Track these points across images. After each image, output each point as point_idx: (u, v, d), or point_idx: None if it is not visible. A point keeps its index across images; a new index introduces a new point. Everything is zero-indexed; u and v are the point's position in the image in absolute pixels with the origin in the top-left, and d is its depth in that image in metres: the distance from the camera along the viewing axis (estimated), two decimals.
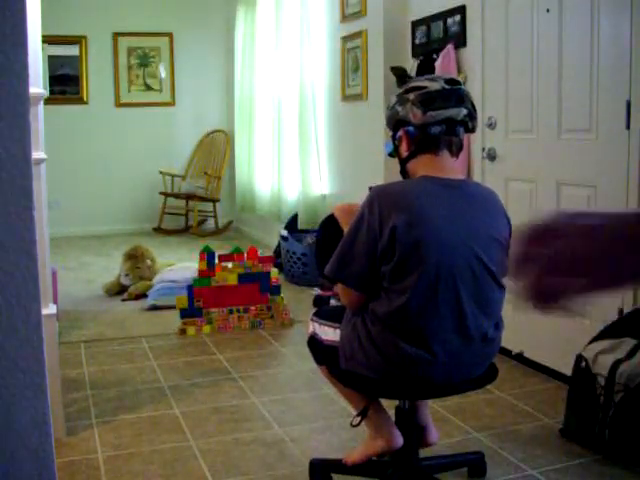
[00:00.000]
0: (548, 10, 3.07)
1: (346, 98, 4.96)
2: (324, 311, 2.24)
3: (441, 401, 2.92)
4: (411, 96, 1.91)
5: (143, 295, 4.62)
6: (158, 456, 2.46)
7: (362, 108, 4.69)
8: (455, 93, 1.90)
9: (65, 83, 7.40)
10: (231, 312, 4.02)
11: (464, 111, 1.90)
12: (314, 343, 2.16)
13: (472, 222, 1.87)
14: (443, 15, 3.84)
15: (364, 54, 4.59)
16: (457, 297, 1.82)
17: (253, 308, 4.05)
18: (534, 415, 2.78)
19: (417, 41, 4.13)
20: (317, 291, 4.64)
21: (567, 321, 3.04)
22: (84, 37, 7.38)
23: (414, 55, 4.14)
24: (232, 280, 4.00)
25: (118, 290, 4.79)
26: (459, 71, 3.72)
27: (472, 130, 1.97)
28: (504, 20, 3.38)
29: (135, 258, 4.80)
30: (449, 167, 1.94)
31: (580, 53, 2.91)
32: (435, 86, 1.90)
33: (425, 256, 1.79)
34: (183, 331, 3.90)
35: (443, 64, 3.73)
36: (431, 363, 1.84)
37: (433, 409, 2.85)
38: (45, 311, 2.30)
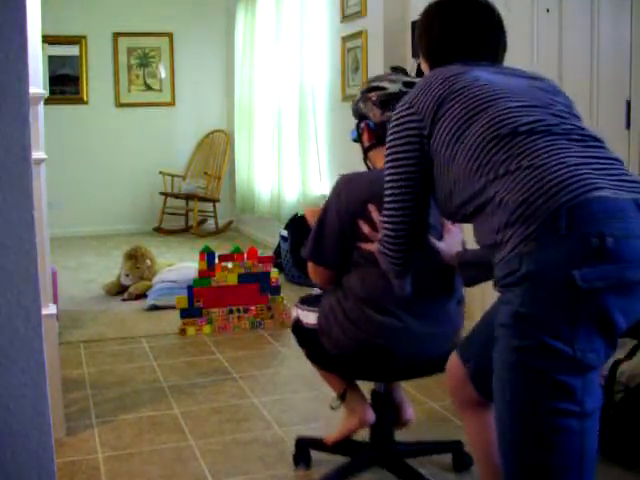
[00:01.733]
0: (548, 10, 3.07)
1: (346, 98, 4.96)
2: (308, 298, 2.36)
3: (441, 401, 2.92)
4: (372, 96, 2.14)
5: (143, 295, 4.62)
6: (158, 456, 2.46)
7: None
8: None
9: (65, 83, 7.40)
10: (231, 312, 4.02)
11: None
12: (298, 328, 2.27)
13: None
14: None
15: (364, 54, 4.59)
16: (423, 267, 1.93)
17: (253, 308, 4.05)
18: None
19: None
20: (317, 291, 4.63)
21: None
22: (84, 37, 7.38)
23: (414, 55, 4.14)
24: (232, 280, 4.00)
25: (118, 290, 4.79)
26: None
27: None
28: (504, 20, 3.38)
29: (135, 258, 4.80)
30: None
31: (580, 53, 2.91)
32: (394, 88, 2.10)
33: None
34: (183, 331, 3.90)
35: None
36: (403, 331, 2.00)
37: (433, 409, 2.85)
38: (45, 311, 2.30)
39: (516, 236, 1.28)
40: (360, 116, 2.20)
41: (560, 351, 1.22)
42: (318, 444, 2.39)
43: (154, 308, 4.38)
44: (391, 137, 1.57)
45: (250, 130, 6.80)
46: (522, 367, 1.27)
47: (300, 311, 2.28)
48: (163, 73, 7.73)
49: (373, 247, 1.85)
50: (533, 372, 1.25)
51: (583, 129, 1.45)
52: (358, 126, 2.21)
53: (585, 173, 1.29)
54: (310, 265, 2.18)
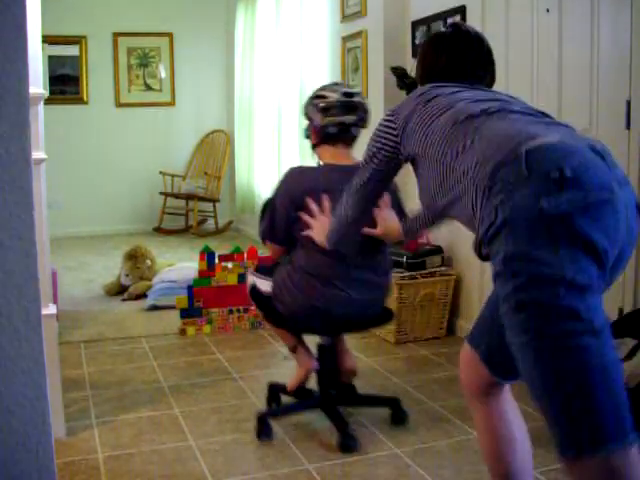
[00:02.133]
0: (548, 10, 3.07)
1: None
2: (260, 268, 2.82)
3: (441, 401, 2.92)
4: (317, 103, 2.62)
5: (143, 295, 4.62)
6: (158, 456, 2.46)
7: None
8: (348, 104, 2.60)
9: (65, 83, 7.40)
10: (231, 312, 4.02)
11: (354, 118, 2.61)
12: (255, 292, 2.73)
13: None
14: (443, 15, 3.84)
15: (364, 54, 4.59)
16: (349, 251, 2.44)
17: (253, 308, 4.05)
18: (534, 415, 2.77)
19: (417, 41, 4.13)
20: None
21: None
22: (84, 37, 7.38)
23: (414, 55, 4.14)
24: (232, 280, 4.00)
25: (118, 290, 4.79)
26: None
27: (363, 127, 2.70)
28: (504, 20, 3.38)
29: (135, 258, 4.80)
30: (343, 155, 2.65)
31: (580, 53, 2.91)
32: (334, 97, 2.60)
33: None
34: (183, 331, 3.90)
35: None
36: (341, 298, 2.51)
37: (433, 408, 2.85)
38: (45, 311, 2.30)
39: (485, 195, 1.42)
40: (309, 118, 2.69)
41: (552, 277, 1.29)
42: (284, 389, 2.87)
43: (154, 308, 4.38)
44: (372, 137, 1.82)
45: (250, 130, 6.80)
46: (523, 305, 1.32)
47: (255, 279, 2.72)
48: (163, 73, 7.73)
49: (312, 233, 2.36)
50: (534, 306, 1.31)
51: (536, 110, 1.62)
52: (307, 127, 2.72)
53: (536, 130, 1.45)
54: (266, 243, 2.68)
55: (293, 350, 2.81)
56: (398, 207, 2.58)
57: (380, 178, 1.85)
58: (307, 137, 2.75)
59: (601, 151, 1.43)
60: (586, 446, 1.30)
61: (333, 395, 2.74)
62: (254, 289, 2.72)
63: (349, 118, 2.61)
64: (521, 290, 1.32)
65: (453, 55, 1.83)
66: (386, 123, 1.77)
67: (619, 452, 1.28)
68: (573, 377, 1.29)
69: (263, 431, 2.60)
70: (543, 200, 1.31)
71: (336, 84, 2.76)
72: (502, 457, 1.72)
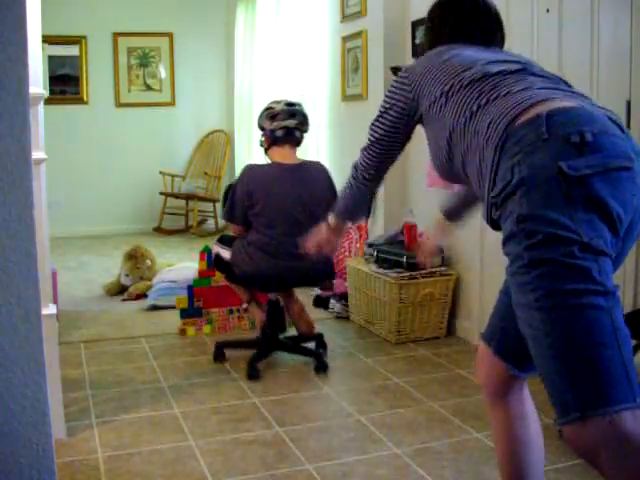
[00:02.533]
0: (548, 10, 3.07)
1: (346, 98, 4.96)
2: (223, 239, 3.48)
3: (441, 401, 2.92)
4: (267, 113, 3.33)
5: (143, 295, 4.62)
6: (158, 456, 2.46)
7: (362, 108, 4.68)
8: (290, 111, 3.30)
9: (65, 83, 7.40)
10: (231, 312, 4.02)
11: (295, 122, 3.30)
12: (219, 259, 3.44)
13: (299, 186, 3.28)
14: None
15: (364, 54, 4.59)
16: (290, 230, 3.15)
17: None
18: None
19: (417, 41, 4.13)
20: (317, 291, 4.64)
21: None
22: (84, 37, 7.38)
23: (414, 55, 4.14)
24: None
25: (118, 290, 4.79)
26: None
27: (304, 131, 3.40)
28: (504, 20, 3.37)
29: (135, 258, 4.80)
30: (290, 155, 3.36)
31: (580, 53, 2.91)
32: (279, 106, 3.32)
33: (267, 206, 3.22)
34: (183, 331, 3.90)
35: None
36: (286, 266, 3.19)
37: (433, 408, 2.85)
38: (45, 311, 2.30)
39: (500, 155, 1.40)
40: (261, 127, 3.37)
41: (568, 238, 1.28)
42: (231, 344, 3.56)
43: (154, 308, 4.38)
44: (385, 95, 1.79)
45: (250, 130, 6.80)
46: (536, 263, 1.31)
47: (219, 249, 3.44)
48: (163, 73, 7.73)
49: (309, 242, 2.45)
50: (547, 263, 1.29)
51: (556, 76, 1.62)
52: (261, 136, 3.39)
53: (556, 93, 1.45)
54: (228, 223, 3.42)
55: (248, 302, 3.61)
56: (331, 189, 3.44)
57: (393, 138, 1.79)
58: (261, 144, 3.42)
59: (618, 122, 1.43)
60: (594, 404, 1.26)
61: (277, 338, 3.47)
62: (218, 256, 3.45)
63: (291, 122, 3.30)
64: (535, 248, 1.31)
65: (460, 14, 1.82)
66: (401, 80, 1.74)
67: (628, 412, 1.26)
68: (583, 335, 1.27)
69: (218, 357, 3.45)
70: (562, 163, 1.30)
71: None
72: (516, 458, 1.70)
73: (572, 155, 1.31)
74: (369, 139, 1.83)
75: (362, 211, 2.10)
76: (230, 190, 3.38)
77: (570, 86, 1.59)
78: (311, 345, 3.59)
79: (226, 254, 3.37)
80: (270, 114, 3.31)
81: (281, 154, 3.32)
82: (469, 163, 1.53)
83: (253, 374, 3.22)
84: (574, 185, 1.30)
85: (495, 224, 1.45)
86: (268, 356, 3.41)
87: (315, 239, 2.16)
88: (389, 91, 1.78)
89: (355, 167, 1.90)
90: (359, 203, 2.00)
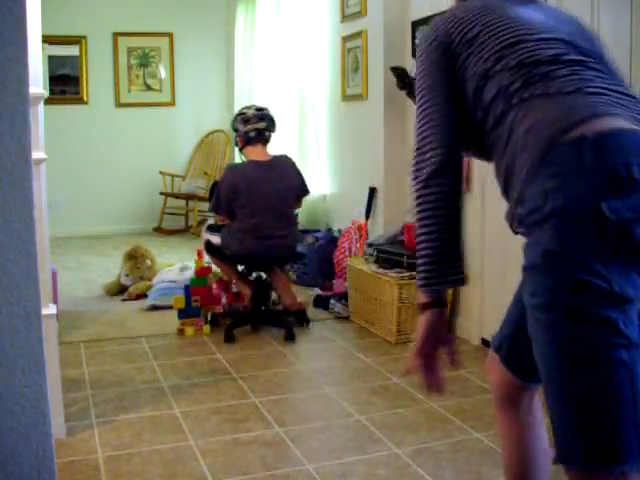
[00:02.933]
0: None
1: (346, 98, 4.96)
2: (211, 227, 4.10)
3: (441, 401, 2.92)
4: (241, 117, 3.99)
5: (143, 295, 4.62)
6: (158, 456, 2.46)
7: (362, 108, 4.68)
8: (260, 115, 3.96)
9: (65, 83, 7.39)
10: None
11: (265, 124, 3.95)
12: (209, 245, 4.00)
13: (273, 179, 3.86)
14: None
15: (364, 54, 4.59)
16: (270, 216, 3.81)
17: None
18: None
19: (417, 41, 4.13)
20: (317, 291, 4.64)
21: None
22: (84, 37, 7.38)
23: (414, 55, 4.14)
24: None
25: (118, 290, 4.79)
26: None
27: (272, 132, 4.02)
28: None
29: (135, 258, 4.79)
30: (262, 153, 3.96)
31: None
32: (250, 111, 3.99)
33: (250, 198, 3.79)
34: (181, 331, 3.89)
35: None
36: (267, 245, 3.82)
37: (433, 408, 2.85)
38: (45, 311, 2.29)
39: (534, 169, 1.24)
40: (235, 129, 4.01)
41: (597, 286, 1.17)
42: (223, 314, 4.07)
43: (154, 308, 4.38)
44: (419, 68, 1.50)
45: None
46: (559, 306, 1.21)
47: (209, 236, 4.02)
48: (163, 73, 7.72)
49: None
50: (571, 309, 1.19)
51: (614, 66, 1.45)
52: (236, 136, 4.02)
53: (609, 105, 1.26)
54: (214, 214, 4.03)
55: (237, 279, 4.07)
56: (298, 176, 4.02)
57: (447, 106, 1.44)
58: (236, 144, 4.08)
59: None
60: (602, 460, 1.21)
61: (263, 311, 4.03)
62: (209, 242, 4.00)
63: (262, 124, 3.94)
64: (559, 291, 1.20)
65: None
66: (433, 40, 1.49)
67: (636, 474, 1.20)
68: (600, 388, 1.20)
69: (213, 324, 3.97)
70: (604, 203, 1.15)
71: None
72: (523, 462, 1.64)
73: (615, 193, 1.16)
74: (429, 125, 1.44)
75: (457, 259, 1.44)
76: (215, 186, 3.99)
77: (624, 84, 1.40)
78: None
79: (216, 239, 3.95)
80: (243, 118, 3.96)
81: (255, 152, 3.95)
82: (497, 154, 1.38)
83: (229, 338, 3.78)
84: (612, 229, 1.17)
85: (515, 231, 1.34)
86: (246, 325, 3.98)
87: (420, 348, 1.61)
88: (422, 62, 1.50)
89: (430, 192, 1.41)
90: (453, 244, 1.43)
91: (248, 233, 3.79)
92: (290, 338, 3.79)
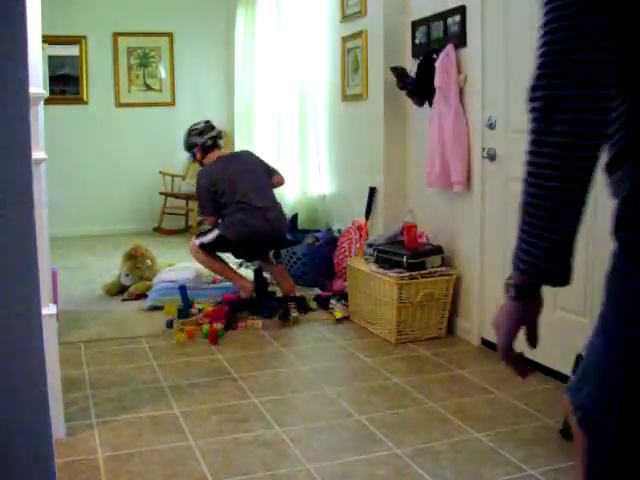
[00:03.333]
0: None
1: (346, 98, 4.96)
2: (200, 232, 4.53)
3: (441, 401, 2.92)
4: (194, 132, 4.55)
5: (143, 295, 4.61)
6: (158, 456, 2.46)
7: (362, 108, 4.68)
8: (210, 126, 4.58)
9: (65, 83, 7.39)
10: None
11: (216, 132, 4.55)
12: (203, 246, 4.26)
13: (240, 161, 4.48)
14: (443, 15, 3.84)
15: (364, 54, 4.59)
16: (252, 189, 4.28)
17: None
18: (534, 415, 2.78)
19: (417, 41, 4.13)
20: (317, 291, 4.64)
21: (567, 321, 3.04)
22: (84, 37, 7.38)
23: (414, 55, 4.14)
24: None
25: (118, 290, 4.79)
26: (459, 71, 3.72)
27: (221, 138, 4.65)
28: (504, 20, 3.38)
29: (135, 258, 4.79)
30: (220, 152, 4.54)
31: None
32: (201, 126, 4.57)
33: (229, 182, 4.26)
34: (182, 331, 3.88)
35: (443, 64, 3.72)
36: (258, 228, 4.22)
37: (433, 408, 2.85)
38: (45, 311, 2.29)
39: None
40: (193, 145, 4.53)
41: None
42: (237, 304, 4.25)
43: (154, 308, 4.37)
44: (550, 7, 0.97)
45: (250, 130, 6.79)
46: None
47: (200, 239, 4.29)
48: (163, 73, 7.72)
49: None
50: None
51: None
52: (193, 151, 4.54)
53: None
54: (204, 217, 4.63)
55: (232, 279, 4.39)
56: (262, 160, 4.55)
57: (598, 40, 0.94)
58: (194, 160, 4.61)
59: None
60: None
61: (269, 299, 4.34)
62: (202, 244, 4.25)
63: (214, 132, 4.55)
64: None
65: None
66: None
67: None
68: None
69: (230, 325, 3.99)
70: None
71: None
72: None
73: None
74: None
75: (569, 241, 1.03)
76: (197, 193, 4.44)
77: None
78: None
79: (208, 238, 4.25)
80: (197, 132, 4.54)
81: (214, 155, 4.49)
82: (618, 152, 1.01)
83: (229, 324, 3.95)
84: None
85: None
86: (244, 310, 4.19)
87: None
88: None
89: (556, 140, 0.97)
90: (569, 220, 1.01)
91: (242, 212, 4.18)
92: (284, 317, 4.00)
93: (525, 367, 1.17)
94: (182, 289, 3.91)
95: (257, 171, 4.40)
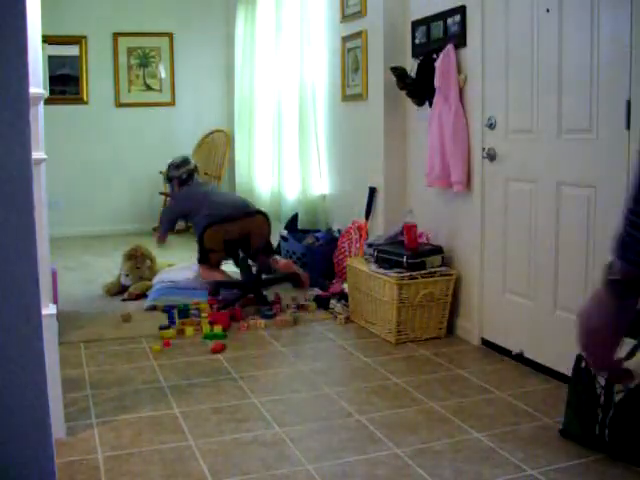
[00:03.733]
0: (548, 10, 3.07)
1: (346, 98, 4.96)
2: (202, 258, 4.77)
3: (441, 401, 2.92)
4: (173, 167, 5.06)
5: (143, 295, 4.61)
6: (158, 456, 2.46)
7: (362, 108, 4.68)
8: (185, 161, 5.10)
9: (65, 83, 7.39)
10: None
11: (191, 167, 5.08)
12: (201, 260, 4.70)
13: (223, 194, 5.27)
14: (443, 15, 3.84)
15: (364, 54, 4.59)
16: (220, 209, 4.74)
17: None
18: (534, 415, 2.78)
19: (417, 41, 4.13)
20: (317, 291, 4.64)
21: (567, 321, 3.04)
22: (84, 37, 7.37)
23: (414, 55, 4.14)
24: None
25: (118, 290, 4.79)
26: (459, 71, 3.72)
27: (196, 171, 5.14)
28: (504, 20, 3.38)
29: (135, 258, 4.79)
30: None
31: (580, 53, 2.91)
32: (178, 160, 5.07)
33: (201, 204, 4.81)
34: (182, 331, 3.88)
35: (443, 64, 3.72)
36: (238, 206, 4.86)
37: (433, 409, 2.85)
38: (45, 311, 2.29)
39: None
40: (170, 178, 5.07)
41: None
42: (224, 284, 4.54)
43: (154, 308, 4.37)
44: None
45: (250, 130, 6.79)
46: None
47: (197, 260, 4.75)
48: (163, 73, 7.72)
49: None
50: None
51: None
52: (172, 183, 5.09)
53: None
54: (157, 230, 5.29)
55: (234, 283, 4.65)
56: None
57: None
58: (173, 190, 5.15)
59: None
60: None
61: (263, 281, 4.58)
62: (199, 259, 4.70)
63: (190, 165, 5.09)
64: None
65: None
66: None
67: None
68: None
69: (214, 293, 4.38)
70: None
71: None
72: None
73: None
74: None
75: None
76: (169, 212, 5.26)
77: None
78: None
79: (198, 249, 4.71)
80: (174, 166, 5.07)
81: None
82: None
83: (225, 305, 4.25)
84: None
85: None
86: (240, 299, 4.37)
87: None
88: None
89: None
90: None
91: (209, 213, 4.66)
92: (297, 285, 4.66)
93: (629, 373, 1.10)
94: (170, 311, 4.01)
95: (234, 197, 5.20)
